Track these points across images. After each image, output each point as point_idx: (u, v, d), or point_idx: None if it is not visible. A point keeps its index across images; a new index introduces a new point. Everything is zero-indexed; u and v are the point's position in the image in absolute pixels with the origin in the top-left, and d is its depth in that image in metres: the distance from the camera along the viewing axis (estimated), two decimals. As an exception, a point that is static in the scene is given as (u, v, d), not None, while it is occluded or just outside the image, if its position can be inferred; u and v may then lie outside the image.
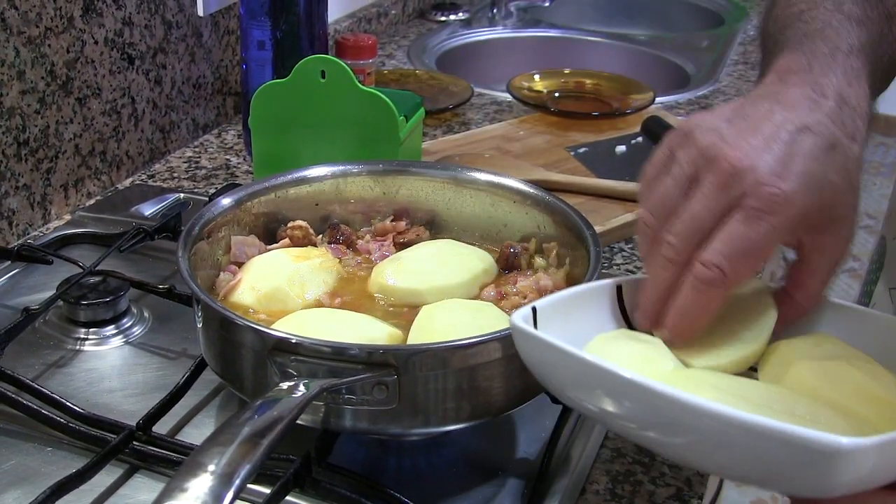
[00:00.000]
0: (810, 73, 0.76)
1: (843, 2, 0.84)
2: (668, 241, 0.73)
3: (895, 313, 1.01)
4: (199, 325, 0.88)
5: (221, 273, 0.97)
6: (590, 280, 0.87)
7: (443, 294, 0.95)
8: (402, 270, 0.97)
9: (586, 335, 0.79)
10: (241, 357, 0.83)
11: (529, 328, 0.72)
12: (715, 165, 0.71)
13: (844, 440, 0.56)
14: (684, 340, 0.76)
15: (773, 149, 0.70)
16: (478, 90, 1.84)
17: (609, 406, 0.68)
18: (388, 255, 1.03)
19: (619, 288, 0.83)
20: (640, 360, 0.75)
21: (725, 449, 0.61)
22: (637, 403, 0.65)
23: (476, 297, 0.97)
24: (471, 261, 0.99)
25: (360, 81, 1.22)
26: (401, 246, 1.05)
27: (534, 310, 0.75)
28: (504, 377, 0.82)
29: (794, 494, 0.64)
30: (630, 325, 0.83)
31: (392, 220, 1.07)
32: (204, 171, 1.47)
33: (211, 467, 0.61)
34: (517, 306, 0.93)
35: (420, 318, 0.90)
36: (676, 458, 0.73)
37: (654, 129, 1.58)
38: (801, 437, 0.57)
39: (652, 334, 0.78)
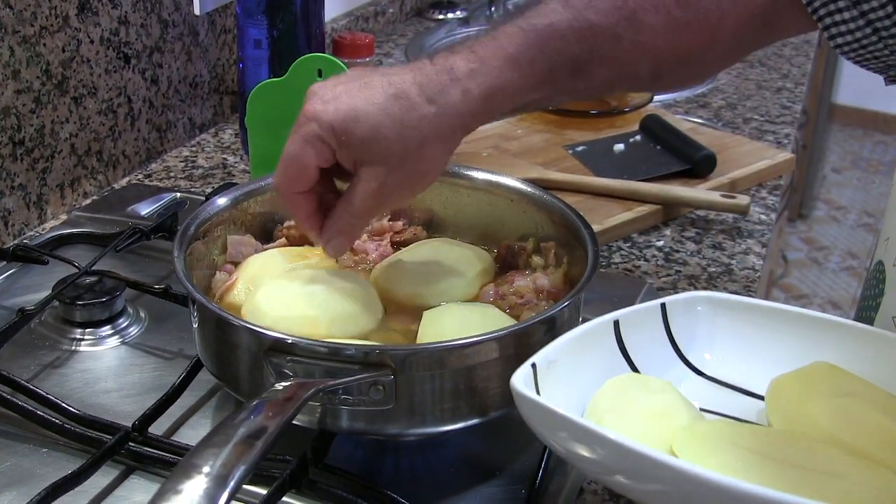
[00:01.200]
0: (448, 51, 0.87)
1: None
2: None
3: None
4: (195, 326, 0.87)
5: (217, 273, 0.96)
6: (587, 279, 0.87)
7: (444, 295, 0.95)
8: (403, 272, 0.97)
9: (589, 380, 0.78)
10: (237, 357, 0.83)
11: (531, 394, 0.72)
12: (303, 114, 0.86)
13: None
14: (317, 235, 0.91)
15: (336, 89, 0.84)
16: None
17: (625, 479, 0.68)
18: (385, 255, 1.02)
19: (615, 323, 0.83)
20: (656, 415, 0.75)
21: None
22: (657, 480, 0.65)
23: (475, 297, 0.96)
24: (470, 260, 0.99)
25: (356, 80, 1.21)
26: (398, 245, 1.04)
27: (533, 366, 0.75)
28: (501, 377, 0.81)
29: None
30: (630, 361, 0.83)
31: (389, 220, 1.06)
32: (201, 171, 1.47)
33: (206, 469, 0.60)
34: (514, 306, 0.93)
35: (426, 323, 0.89)
36: None
37: (653, 128, 1.58)
38: None
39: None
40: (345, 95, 0.84)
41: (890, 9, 0.85)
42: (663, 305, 0.86)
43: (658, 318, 0.86)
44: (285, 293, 0.89)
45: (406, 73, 0.85)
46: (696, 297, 0.88)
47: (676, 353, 0.86)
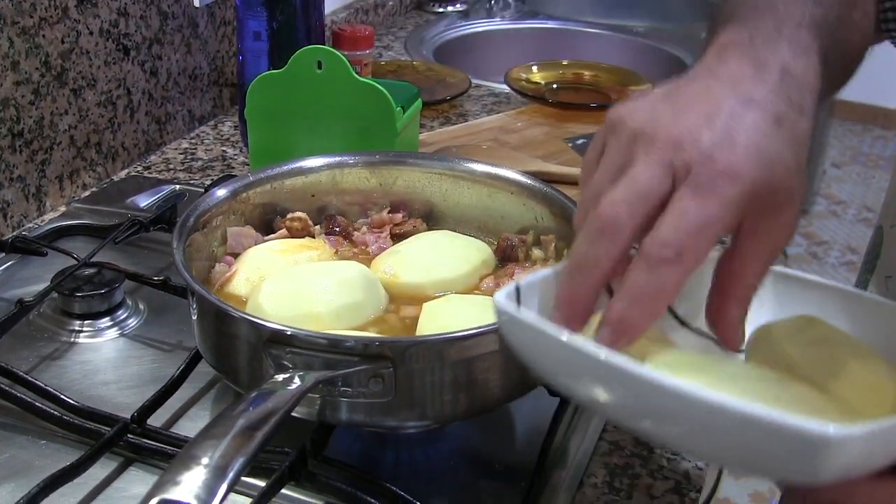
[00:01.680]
0: (751, 47, 0.70)
1: None
2: (601, 206, 0.64)
3: None
4: (194, 317, 0.87)
5: (217, 264, 0.96)
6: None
7: (443, 286, 0.95)
8: (402, 263, 0.97)
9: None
10: (236, 349, 0.83)
11: (511, 307, 0.69)
12: (652, 143, 0.64)
13: (832, 429, 0.55)
14: (628, 340, 0.64)
15: (714, 123, 0.64)
16: (475, 81, 1.83)
17: (593, 391, 0.66)
18: (385, 248, 1.02)
19: None
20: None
21: (712, 436, 0.60)
22: (619, 389, 0.63)
23: (475, 289, 0.96)
24: (469, 252, 0.99)
25: (356, 72, 1.21)
26: (397, 238, 1.04)
27: (517, 288, 0.73)
28: (501, 370, 0.81)
29: (783, 481, 0.64)
30: None
31: (389, 212, 1.06)
32: (200, 163, 1.46)
33: (204, 460, 0.60)
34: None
35: (426, 315, 0.89)
36: (664, 443, 0.72)
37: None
38: (789, 426, 0.56)
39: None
40: (730, 130, 0.64)
41: None
42: None
43: None
44: (287, 290, 0.89)
45: (759, 87, 0.67)
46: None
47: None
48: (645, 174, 0.63)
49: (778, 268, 0.82)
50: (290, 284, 0.90)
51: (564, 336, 0.63)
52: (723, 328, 0.70)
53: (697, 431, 0.61)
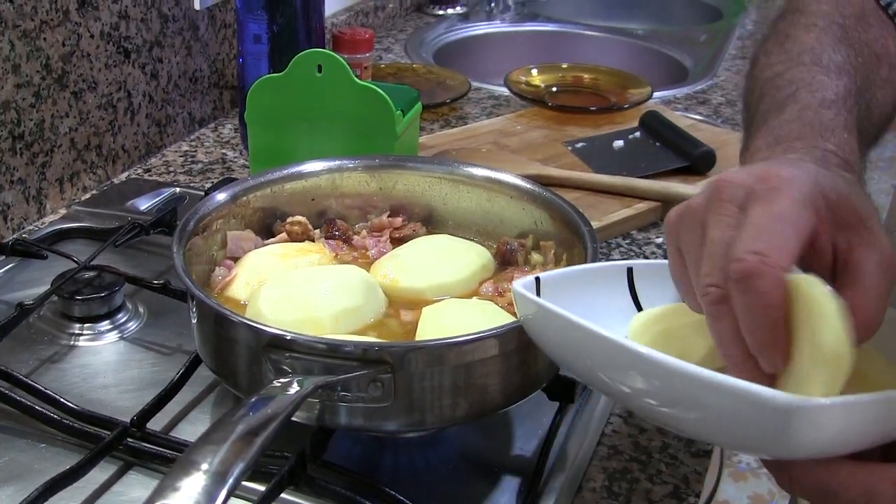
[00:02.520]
0: (778, 144, 0.75)
1: (822, 52, 0.83)
2: (700, 278, 0.65)
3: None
4: (194, 321, 0.87)
5: (217, 268, 0.96)
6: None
7: (443, 291, 0.95)
8: (402, 268, 0.97)
9: (591, 309, 0.78)
10: (236, 353, 0.83)
11: (530, 294, 0.72)
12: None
13: (796, 398, 0.56)
14: (778, 357, 0.62)
15: (771, 167, 0.66)
16: (475, 84, 1.84)
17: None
18: (384, 251, 1.02)
19: (629, 270, 0.82)
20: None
21: (697, 408, 0.62)
22: (601, 355, 0.66)
23: (474, 293, 0.96)
24: (469, 256, 0.99)
25: (356, 75, 1.22)
26: (397, 241, 1.04)
27: (537, 280, 0.75)
28: (500, 374, 0.81)
29: (758, 455, 0.65)
30: (638, 306, 0.82)
31: (388, 216, 1.06)
32: (200, 166, 1.46)
33: (204, 466, 0.60)
34: (513, 303, 0.93)
35: (425, 319, 0.89)
36: (654, 419, 0.73)
37: (652, 125, 1.57)
38: (756, 394, 0.57)
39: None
40: (787, 166, 0.66)
41: None
42: None
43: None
44: (286, 294, 0.89)
45: (797, 161, 0.71)
46: None
47: None
48: (716, 230, 0.64)
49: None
50: (290, 289, 0.90)
51: (593, 327, 0.65)
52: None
53: (676, 402, 0.63)
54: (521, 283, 0.73)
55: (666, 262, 0.83)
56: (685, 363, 0.60)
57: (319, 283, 0.90)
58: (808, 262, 0.63)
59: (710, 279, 0.63)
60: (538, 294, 0.75)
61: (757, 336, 0.61)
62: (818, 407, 0.57)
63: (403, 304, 0.94)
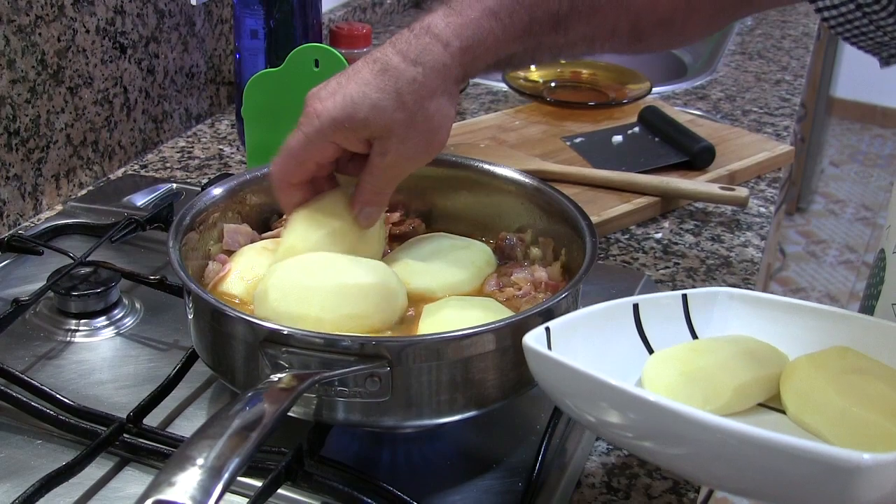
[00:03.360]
0: (425, 15, 0.90)
1: None
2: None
3: None
4: (190, 317, 0.87)
5: (210, 263, 0.95)
6: (585, 271, 0.86)
7: (452, 289, 0.94)
8: (409, 270, 0.96)
9: (602, 353, 0.78)
10: (232, 348, 0.82)
11: (543, 349, 0.71)
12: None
13: (866, 455, 0.56)
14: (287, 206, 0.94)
15: (330, 86, 0.88)
16: (473, 80, 1.83)
17: (625, 427, 0.68)
18: (385, 250, 1.01)
19: (635, 306, 0.82)
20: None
21: (747, 467, 0.61)
22: (653, 423, 0.65)
23: (479, 289, 0.96)
24: (472, 254, 0.98)
25: (354, 70, 1.21)
26: (397, 238, 1.04)
27: (547, 330, 0.74)
28: (498, 369, 0.81)
29: None
30: (647, 345, 0.82)
31: (387, 211, 1.06)
32: (197, 161, 1.46)
33: (199, 461, 0.60)
34: (511, 298, 0.93)
35: (426, 316, 0.89)
36: (692, 476, 0.73)
37: (651, 120, 1.57)
38: (820, 453, 0.57)
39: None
40: (339, 88, 0.88)
41: None
42: (685, 296, 0.86)
43: (679, 306, 0.86)
44: (296, 286, 0.87)
45: (387, 47, 0.89)
46: (718, 291, 0.89)
47: (693, 336, 0.86)
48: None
49: (806, 303, 0.84)
50: (301, 280, 0.87)
51: (600, 374, 0.66)
52: (355, 211, 0.94)
53: (730, 463, 0.62)
54: (533, 338, 0.73)
55: (668, 295, 0.84)
56: (738, 424, 0.60)
57: (333, 279, 0.87)
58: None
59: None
60: (549, 342, 0.75)
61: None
62: (885, 463, 0.57)
63: (413, 305, 0.93)
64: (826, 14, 0.89)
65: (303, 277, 0.87)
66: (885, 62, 0.94)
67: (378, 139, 0.89)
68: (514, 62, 0.95)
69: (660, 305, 0.85)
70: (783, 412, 0.79)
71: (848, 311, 0.85)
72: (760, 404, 0.80)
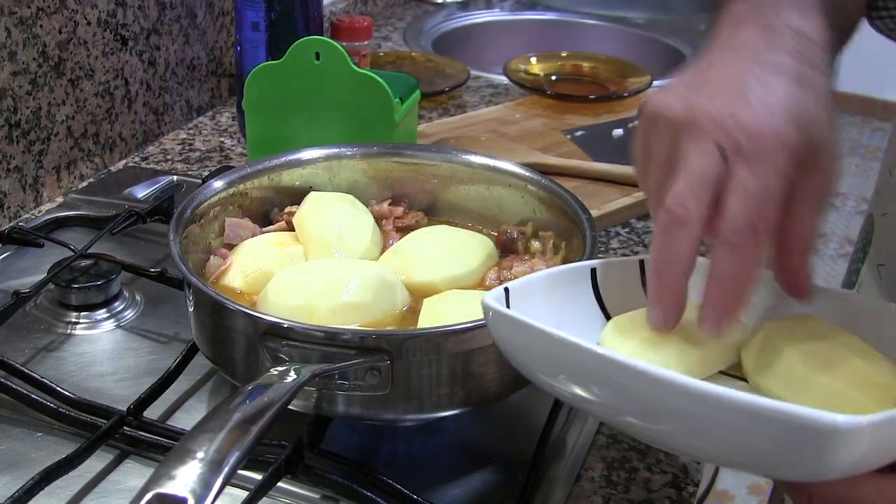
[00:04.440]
0: (760, 15, 0.74)
1: None
2: (668, 202, 0.67)
3: (882, 290, 1.00)
4: (191, 310, 0.87)
5: (211, 257, 0.95)
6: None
7: (454, 283, 0.94)
8: (412, 263, 0.96)
9: (560, 317, 0.77)
10: (233, 342, 0.82)
11: (500, 306, 0.70)
12: (694, 127, 0.67)
13: (841, 418, 0.55)
14: (727, 320, 0.68)
15: (746, 95, 0.67)
16: (474, 73, 1.83)
17: (584, 389, 0.66)
18: (392, 242, 1.01)
19: (592, 270, 0.81)
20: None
21: (714, 431, 0.60)
22: (613, 383, 0.63)
23: (480, 282, 0.96)
24: (474, 247, 0.99)
25: (355, 63, 1.21)
26: (399, 230, 1.04)
27: (506, 290, 0.73)
28: (498, 363, 0.81)
29: (787, 478, 0.63)
30: (604, 310, 0.81)
31: (389, 204, 1.06)
32: (198, 154, 1.46)
33: (200, 454, 0.60)
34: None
35: (426, 310, 0.89)
36: (660, 443, 0.71)
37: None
38: (796, 416, 0.55)
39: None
40: (764, 100, 0.67)
41: None
42: (641, 262, 0.85)
43: (636, 272, 0.84)
44: (295, 283, 0.89)
45: (770, 50, 0.71)
46: None
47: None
48: (699, 161, 0.66)
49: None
50: (300, 276, 0.89)
51: (559, 333, 0.64)
52: (790, 280, 0.73)
53: (698, 427, 0.60)
54: (493, 297, 0.71)
55: (626, 260, 0.82)
56: (707, 384, 0.58)
57: (332, 274, 0.90)
58: None
59: (679, 199, 0.66)
60: (507, 303, 0.73)
61: (721, 288, 0.67)
62: (859, 427, 0.55)
63: (414, 298, 0.93)
64: (886, 18, 0.87)
65: (301, 276, 0.89)
66: None
67: (808, 164, 0.68)
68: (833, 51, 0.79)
69: (617, 270, 0.83)
70: (745, 380, 0.78)
71: (823, 286, 0.84)
72: (722, 372, 0.79)
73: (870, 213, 0.99)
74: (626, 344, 0.74)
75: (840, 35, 0.82)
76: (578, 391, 0.66)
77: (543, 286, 0.78)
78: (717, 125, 0.66)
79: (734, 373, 0.78)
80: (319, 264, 0.93)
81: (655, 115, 0.70)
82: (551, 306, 0.77)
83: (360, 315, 0.87)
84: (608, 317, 0.81)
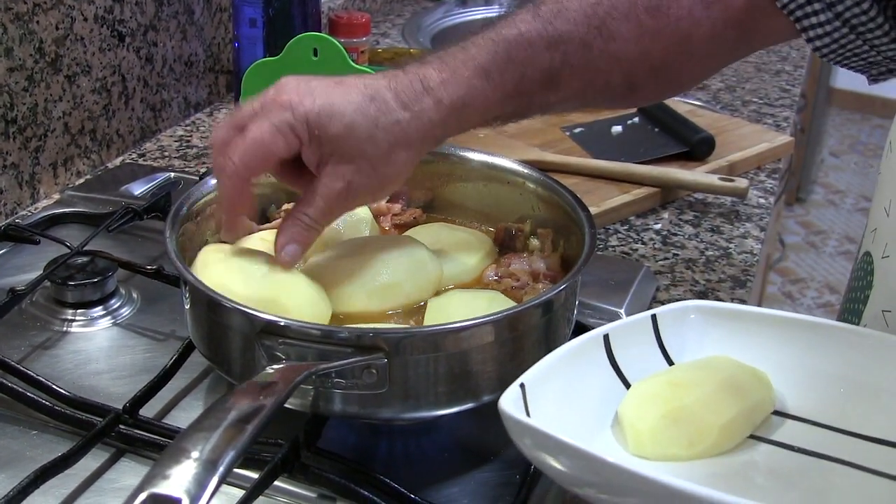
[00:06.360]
0: (419, 63, 0.87)
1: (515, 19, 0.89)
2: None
3: None
4: (187, 307, 0.86)
5: (204, 247, 0.95)
6: (584, 262, 0.86)
7: (453, 281, 0.94)
8: None
9: (580, 398, 0.77)
10: (229, 339, 0.82)
11: (521, 416, 0.70)
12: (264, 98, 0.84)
13: None
14: (232, 233, 0.91)
15: (311, 83, 0.83)
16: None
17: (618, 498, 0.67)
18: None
19: (605, 337, 0.81)
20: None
21: None
22: (640, 493, 0.64)
23: (478, 279, 0.96)
24: (472, 245, 0.98)
25: (353, 60, 1.21)
26: (397, 228, 1.03)
27: (522, 386, 0.73)
28: (496, 361, 0.80)
29: None
30: (621, 376, 0.81)
31: (387, 201, 1.05)
32: (195, 150, 1.45)
33: (195, 453, 0.59)
34: (510, 288, 0.92)
35: (431, 310, 0.89)
36: None
37: (651, 110, 1.56)
38: None
39: None
40: (320, 90, 0.83)
41: (866, 6, 0.84)
42: (654, 317, 0.85)
43: (649, 329, 0.84)
44: (327, 269, 0.91)
45: (381, 79, 0.85)
46: (687, 306, 0.87)
47: (668, 363, 0.84)
48: (239, 112, 0.84)
49: (783, 313, 0.84)
50: (334, 259, 0.92)
51: (579, 445, 0.65)
52: (276, 247, 0.87)
53: None
54: (510, 400, 0.71)
55: (637, 319, 0.83)
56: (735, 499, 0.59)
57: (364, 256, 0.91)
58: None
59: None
60: (525, 397, 0.73)
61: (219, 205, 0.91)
62: None
63: None
64: (818, 43, 0.88)
65: (330, 261, 0.92)
66: (873, 79, 0.94)
67: (334, 163, 0.84)
68: (503, 120, 0.92)
69: (629, 331, 0.83)
70: (771, 443, 0.78)
71: (827, 321, 0.84)
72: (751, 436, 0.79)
73: (865, 253, 0.97)
74: (647, 422, 0.75)
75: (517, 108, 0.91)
76: (611, 499, 0.68)
77: (558, 367, 0.77)
78: (269, 94, 0.84)
79: (761, 434, 0.78)
80: (349, 244, 0.95)
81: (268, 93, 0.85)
82: (569, 386, 0.77)
83: (397, 294, 0.90)
84: (627, 384, 0.81)
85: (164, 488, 0.56)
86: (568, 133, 1.53)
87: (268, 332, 0.77)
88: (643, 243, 1.25)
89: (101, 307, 1.04)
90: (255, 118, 0.82)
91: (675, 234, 1.27)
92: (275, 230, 0.99)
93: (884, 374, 0.78)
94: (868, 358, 0.80)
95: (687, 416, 0.76)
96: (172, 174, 1.33)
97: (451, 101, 0.85)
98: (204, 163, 1.41)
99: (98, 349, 1.00)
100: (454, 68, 0.86)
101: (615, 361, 0.81)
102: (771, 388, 0.81)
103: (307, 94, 0.82)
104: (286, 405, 0.71)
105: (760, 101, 1.76)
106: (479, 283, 0.96)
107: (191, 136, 1.50)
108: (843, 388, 0.80)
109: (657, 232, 1.28)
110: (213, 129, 0.87)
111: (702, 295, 1.13)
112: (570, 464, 0.67)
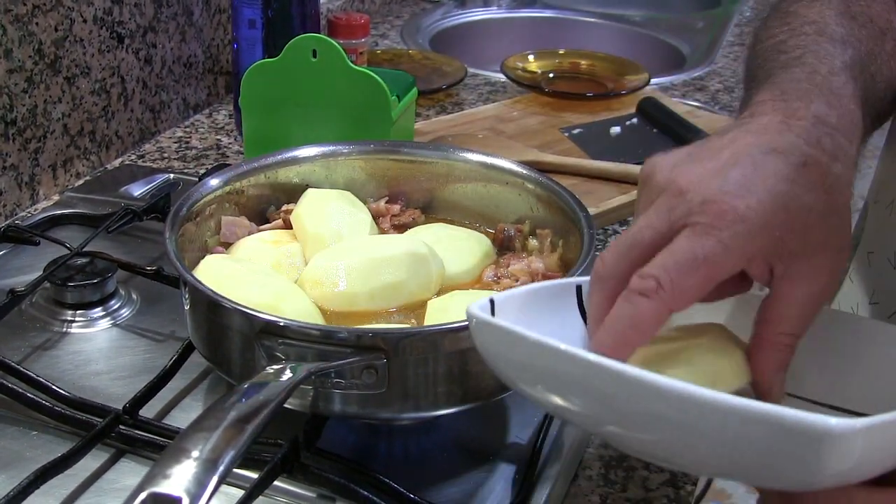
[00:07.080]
0: (784, 101, 0.70)
1: (826, 24, 0.80)
2: (599, 259, 0.68)
3: (868, 279, 0.99)
4: (187, 308, 0.87)
5: (208, 255, 0.95)
6: (583, 262, 0.86)
7: (452, 281, 0.95)
8: None
9: (545, 333, 0.76)
10: (229, 340, 0.82)
11: (486, 315, 0.69)
12: (665, 191, 0.66)
13: (833, 422, 0.52)
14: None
15: (728, 171, 0.64)
16: (471, 70, 1.83)
17: (563, 397, 0.64)
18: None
19: (578, 288, 0.81)
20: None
21: (699, 437, 0.57)
22: (591, 388, 0.61)
23: (478, 280, 0.96)
24: (471, 246, 0.99)
25: (352, 61, 1.21)
26: (396, 228, 1.03)
27: (491, 301, 0.72)
28: (495, 361, 0.80)
29: (776, 486, 0.61)
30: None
31: (387, 202, 1.06)
32: (194, 152, 1.46)
33: (195, 453, 0.60)
34: (508, 289, 0.92)
35: (431, 311, 0.89)
36: (646, 453, 0.68)
37: (650, 111, 1.57)
38: (786, 419, 0.53)
39: None
40: (745, 179, 0.64)
41: None
42: None
43: None
44: (328, 270, 0.91)
45: (781, 133, 0.67)
46: None
47: None
48: (643, 222, 0.66)
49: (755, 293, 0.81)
50: (338, 260, 0.92)
51: (540, 337, 0.62)
52: (758, 377, 0.68)
53: (682, 434, 0.58)
54: (478, 306, 0.68)
55: None
56: (691, 386, 0.55)
57: (364, 254, 0.92)
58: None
59: (606, 258, 0.67)
60: (493, 314, 0.72)
61: (605, 327, 0.65)
62: (853, 431, 0.53)
63: None
64: None
65: (333, 262, 0.91)
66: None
67: (799, 261, 0.65)
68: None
69: None
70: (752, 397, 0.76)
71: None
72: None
73: (865, 202, 0.98)
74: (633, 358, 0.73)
75: (874, 122, 0.83)
76: (557, 399, 0.65)
77: (529, 300, 0.76)
78: (680, 192, 0.64)
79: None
80: (349, 245, 0.95)
81: (647, 176, 0.69)
82: (536, 321, 0.76)
83: (400, 292, 0.91)
84: None
85: (164, 487, 0.57)
86: (566, 134, 1.53)
87: (267, 333, 0.77)
88: (642, 244, 1.25)
89: (100, 308, 1.05)
90: (681, 233, 0.64)
91: (674, 235, 1.27)
92: (274, 230, 1.00)
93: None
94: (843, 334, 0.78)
95: (682, 357, 0.72)
96: (172, 175, 1.33)
97: (851, 137, 0.70)
98: (203, 164, 1.41)
99: (98, 350, 1.00)
100: (839, 101, 0.71)
101: (585, 312, 0.80)
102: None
103: (744, 193, 0.63)
104: (286, 405, 0.71)
105: (759, 102, 1.76)
106: (478, 284, 0.96)
107: (190, 137, 1.51)
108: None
109: (656, 232, 1.28)
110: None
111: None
112: (526, 356, 0.65)
